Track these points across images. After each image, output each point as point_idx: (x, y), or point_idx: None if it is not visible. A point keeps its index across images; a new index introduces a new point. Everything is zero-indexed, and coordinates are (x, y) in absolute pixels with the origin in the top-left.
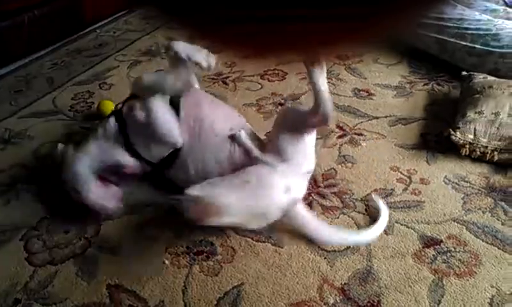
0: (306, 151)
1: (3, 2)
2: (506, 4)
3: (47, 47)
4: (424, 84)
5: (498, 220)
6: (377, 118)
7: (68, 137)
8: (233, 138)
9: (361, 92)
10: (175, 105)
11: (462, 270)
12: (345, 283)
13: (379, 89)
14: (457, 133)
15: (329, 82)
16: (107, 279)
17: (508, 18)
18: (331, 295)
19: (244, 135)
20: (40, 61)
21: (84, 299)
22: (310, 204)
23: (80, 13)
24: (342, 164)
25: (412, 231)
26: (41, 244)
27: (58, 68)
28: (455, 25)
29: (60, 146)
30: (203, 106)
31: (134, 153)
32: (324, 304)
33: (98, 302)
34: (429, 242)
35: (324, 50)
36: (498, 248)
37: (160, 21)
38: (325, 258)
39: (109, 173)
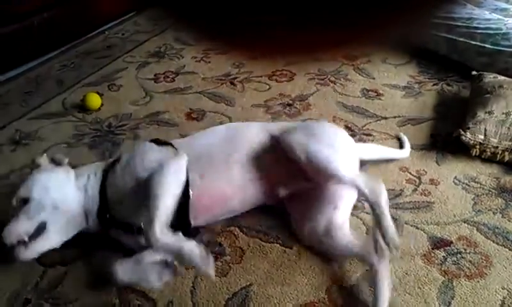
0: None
1: (13, 5)
2: None
3: (57, 49)
4: (433, 84)
5: (510, 221)
6: (385, 118)
7: (78, 139)
8: None
9: (369, 92)
10: None
11: (472, 271)
12: (354, 284)
13: (388, 89)
14: (467, 133)
15: (337, 82)
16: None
17: None
18: (340, 296)
19: None
20: (50, 62)
21: (94, 299)
22: None
23: (89, 15)
24: None
25: (422, 232)
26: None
27: (67, 69)
28: (464, 24)
29: None
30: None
31: None
32: (333, 305)
33: (107, 303)
34: (439, 243)
35: (332, 51)
36: (510, 249)
37: (168, 22)
38: (334, 259)
39: None
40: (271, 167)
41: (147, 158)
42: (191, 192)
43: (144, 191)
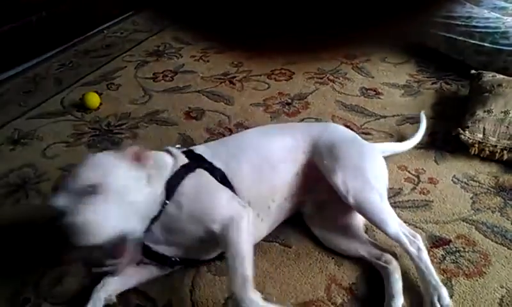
0: None
1: (11, 3)
2: None
3: (55, 48)
4: (432, 83)
5: (508, 220)
6: (384, 117)
7: (77, 138)
8: None
9: (368, 91)
10: None
11: (471, 270)
12: (353, 283)
13: (387, 88)
14: (466, 132)
15: (336, 81)
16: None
17: None
18: (339, 295)
19: None
20: (48, 62)
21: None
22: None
23: (88, 14)
24: None
25: (420, 230)
26: (51, 244)
27: (66, 68)
28: (463, 23)
29: None
30: None
31: None
32: (332, 304)
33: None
34: (438, 241)
35: (332, 51)
36: (508, 248)
37: (166, 21)
38: (333, 258)
39: None
40: (299, 189)
41: (218, 210)
42: None
43: (204, 237)
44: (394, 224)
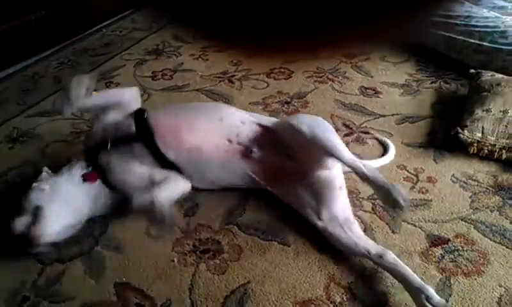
0: None
1: (11, 2)
2: None
3: (54, 47)
4: (432, 82)
5: (507, 219)
6: (383, 116)
7: (75, 136)
8: None
9: (367, 90)
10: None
11: (470, 269)
12: (352, 282)
13: (386, 87)
14: (465, 131)
15: (335, 80)
16: (114, 278)
17: None
18: (337, 294)
19: None
20: (47, 60)
21: (92, 297)
22: None
23: (87, 13)
24: None
25: (419, 230)
26: (50, 242)
27: (65, 67)
28: (463, 22)
29: None
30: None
31: None
32: (331, 302)
33: (105, 301)
34: (437, 240)
35: (331, 50)
36: (507, 247)
37: (166, 20)
38: (332, 257)
39: None
40: (249, 140)
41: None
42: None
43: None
44: (348, 153)
